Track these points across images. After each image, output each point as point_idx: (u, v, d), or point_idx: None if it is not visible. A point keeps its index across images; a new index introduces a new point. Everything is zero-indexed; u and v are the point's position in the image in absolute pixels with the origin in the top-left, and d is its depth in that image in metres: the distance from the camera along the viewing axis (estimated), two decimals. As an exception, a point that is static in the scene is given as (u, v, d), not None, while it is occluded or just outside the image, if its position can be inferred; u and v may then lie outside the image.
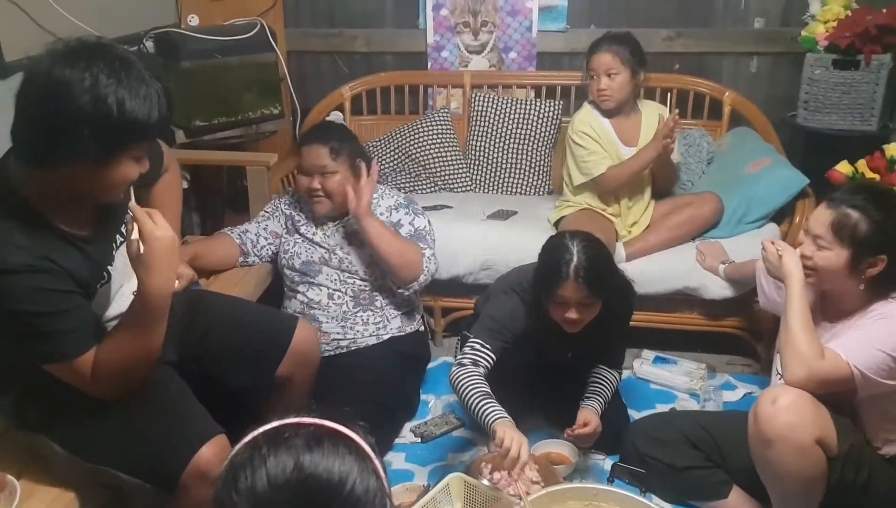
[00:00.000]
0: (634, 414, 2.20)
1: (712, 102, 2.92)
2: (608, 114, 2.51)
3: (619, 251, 2.42)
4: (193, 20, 2.78)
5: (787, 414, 1.50)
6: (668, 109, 2.50)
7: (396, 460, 2.08)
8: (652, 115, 2.54)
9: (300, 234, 2.28)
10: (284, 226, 2.32)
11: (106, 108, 1.16)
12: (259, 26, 2.64)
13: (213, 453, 1.31)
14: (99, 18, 2.32)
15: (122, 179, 1.27)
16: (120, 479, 1.39)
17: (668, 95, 2.56)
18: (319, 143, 2.18)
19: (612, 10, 2.99)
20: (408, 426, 2.21)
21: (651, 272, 2.41)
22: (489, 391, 1.76)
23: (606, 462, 2.01)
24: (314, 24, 3.17)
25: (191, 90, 2.52)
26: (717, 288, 2.39)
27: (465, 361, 1.82)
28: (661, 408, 2.28)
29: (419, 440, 2.16)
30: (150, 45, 2.57)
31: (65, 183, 1.24)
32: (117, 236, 1.44)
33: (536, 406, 2.15)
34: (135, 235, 1.27)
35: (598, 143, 2.48)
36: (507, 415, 1.70)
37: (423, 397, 2.33)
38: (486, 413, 1.71)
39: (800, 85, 2.74)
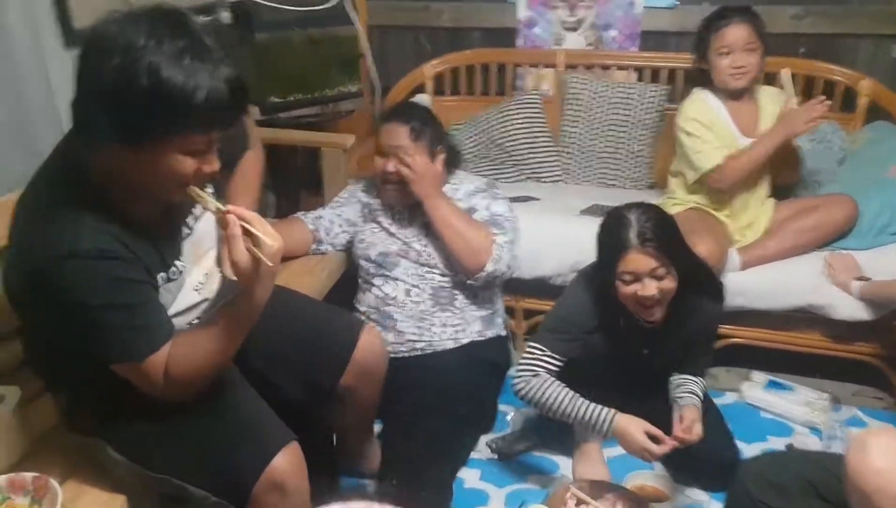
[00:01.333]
0: (743, 447, 1.92)
1: (845, 91, 2.56)
2: (725, 98, 2.20)
3: (733, 258, 2.12)
4: (271, -12, 2.62)
5: (879, 462, 1.28)
6: (787, 81, 2.20)
7: (470, 477, 1.89)
8: (772, 102, 2.22)
9: (377, 222, 2.11)
10: (360, 213, 2.15)
11: (138, 80, 0.97)
12: (339, -3, 2.47)
13: (287, 462, 1.18)
14: (173, -15, 2.19)
15: (171, 174, 1.07)
16: (182, 490, 1.25)
17: (784, 70, 2.22)
18: (400, 121, 2.01)
19: (731, -17, 2.65)
20: (483, 438, 2.01)
21: (769, 284, 2.11)
22: (569, 392, 1.67)
23: (711, 505, 1.76)
24: (398, -3, 2.97)
25: (266, 64, 2.39)
26: (848, 308, 2.07)
27: (525, 373, 1.73)
28: (775, 441, 2.00)
29: (496, 456, 1.96)
30: (225, 15, 2.41)
31: (117, 166, 1.07)
32: (183, 227, 1.28)
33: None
34: (241, 246, 1.08)
35: (711, 131, 2.18)
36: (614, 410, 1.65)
37: (501, 407, 2.12)
38: (595, 414, 1.64)
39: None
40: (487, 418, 2.07)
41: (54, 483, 1.22)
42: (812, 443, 1.96)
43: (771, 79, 2.42)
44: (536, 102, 2.77)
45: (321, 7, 2.44)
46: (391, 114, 2.09)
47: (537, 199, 2.51)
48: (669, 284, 1.62)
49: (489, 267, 1.97)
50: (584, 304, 1.73)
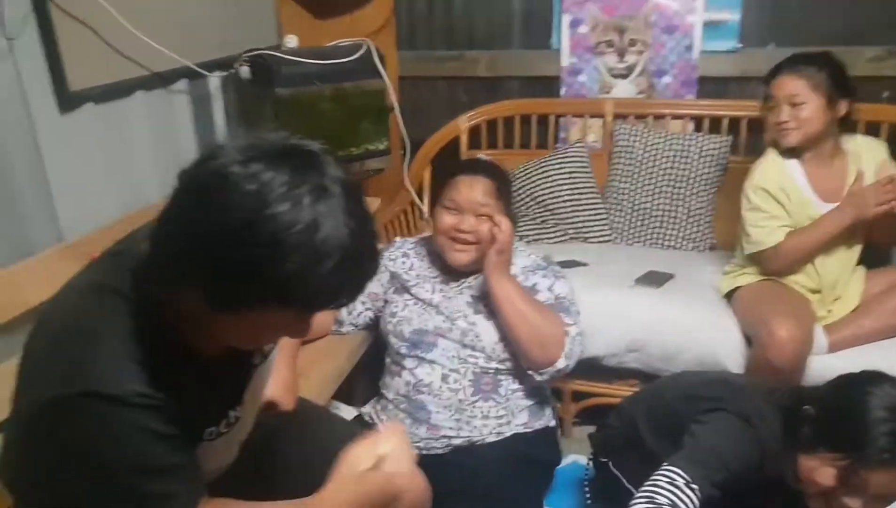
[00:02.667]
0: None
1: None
2: (801, 159, 1.94)
3: (820, 339, 1.84)
4: (291, 42, 2.48)
5: None
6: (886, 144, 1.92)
7: None
8: (865, 153, 1.95)
9: (412, 295, 1.88)
10: (388, 285, 1.93)
11: (249, 236, 0.79)
12: (365, 49, 2.30)
13: None
14: (185, 42, 2.05)
15: (257, 338, 0.98)
16: None
17: (878, 130, 1.95)
18: (485, 175, 1.80)
19: (800, 25, 2.42)
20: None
21: (863, 368, 1.80)
22: None
23: None
24: (430, 46, 2.81)
25: (288, 121, 2.21)
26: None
27: (661, 500, 1.28)
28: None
29: (543, 574, 1.68)
30: (244, 70, 2.27)
31: (194, 313, 0.88)
32: (251, 370, 1.10)
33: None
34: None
35: (780, 205, 1.93)
36: None
37: (546, 510, 1.84)
38: None
39: None
40: None
41: None
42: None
43: (852, 130, 2.15)
44: (582, 155, 2.56)
45: (346, 59, 2.27)
46: (473, 166, 1.88)
47: (584, 264, 2.27)
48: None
49: (560, 363, 1.73)
50: (746, 442, 1.36)
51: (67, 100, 1.74)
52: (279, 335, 1.00)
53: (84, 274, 0.99)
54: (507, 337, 1.76)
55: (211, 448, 1.01)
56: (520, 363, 1.79)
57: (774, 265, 1.94)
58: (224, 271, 0.80)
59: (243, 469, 1.20)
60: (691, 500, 1.27)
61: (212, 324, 0.89)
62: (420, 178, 2.72)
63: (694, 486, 1.28)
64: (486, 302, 1.80)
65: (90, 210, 1.83)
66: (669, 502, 1.26)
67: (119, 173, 1.95)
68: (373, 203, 2.13)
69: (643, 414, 1.63)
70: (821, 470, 1.26)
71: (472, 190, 1.78)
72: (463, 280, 1.85)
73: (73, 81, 1.73)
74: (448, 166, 1.93)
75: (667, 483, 1.29)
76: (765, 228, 1.93)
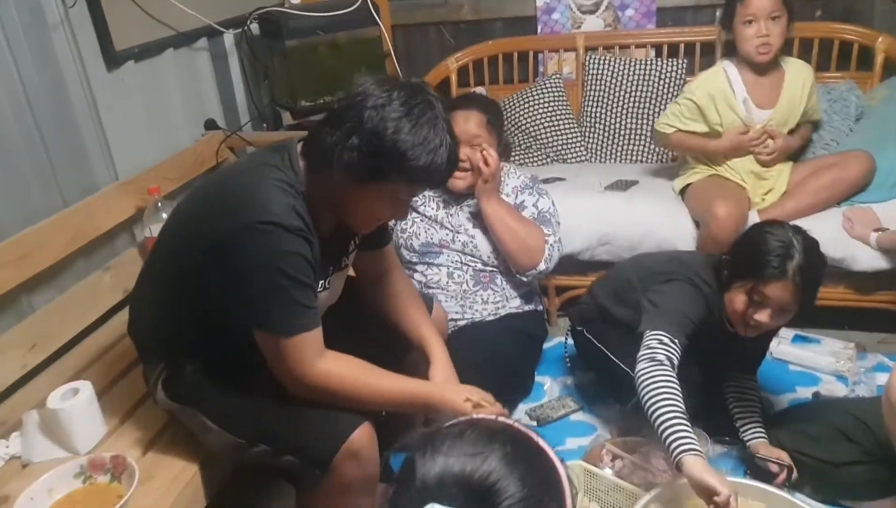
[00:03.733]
0: (772, 398, 2.01)
1: (861, 50, 2.60)
2: (748, 69, 2.25)
3: (753, 219, 2.18)
4: (296, -2, 2.76)
5: None
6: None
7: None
8: (798, 74, 2.26)
9: (418, 212, 2.20)
10: None
11: (382, 129, 1.19)
12: (361, 0, 2.59)
13: (363, 436, 1.32)
14: (204, 3, 2.35)
15: (371, 211, 1.34)
16: (268, 456, 1.38)
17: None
18: (478, 109, 2.07)
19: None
20: (522, 407, 2.12)
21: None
22: (683, 406, 1.47)
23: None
24: (419, -6, 3.07)
25: (296, 70, 2.52)
26: (869, 259, 2.13)
27: (660, 356, 1.54)
28: (803, 391, 2.07)
29: (535, 423, 2.07)
30: (254, 27, 2.57)
31: (327, 189, 1.28)
32: (343, 258, 1.49)
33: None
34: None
35: (698, 112, 2.27)
36: (699, 447, 1.42)
37: (538, 378, 2.23)
38: (676, 439, 1.42)
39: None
40: (525, 387, 2.16)
41: (131, 460, 1.35)
42: (838, 390, 2.03)
43: (789, 45, 2.45)
44: (559, 86, 2.85)
45: (345, 11, 2.56)
46: (468, 102, 2.12)
47: (563, 179, 2.59)
48: (784, 320, 1.60)
49: (541, 266, 2.07)
50: (700, 308, 1.66)
51: (113, 58, 2.04)
52: (389, 211, 1.36)
53: (246, 159, 1.42)
54: (499, 249, 2.11)
55: (317, 299, 1.36)
56: (508, 268, 2.13)
57: (659, 143, 2.45)
58: (370, 148, 1.20)
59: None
60: (676, 349, 1.57)
61: (348, 195, 1.28)
62: (415, 115, 3.02)
63: (675, 339, 1.58)
64: (482, 218, 2.12)
65: (137, 153, 2.16)
66: (665, 355, 1.54)
67: (157, 122, 2.27)
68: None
69: (609, 290, 1.98)
70: (736, 299, 1.60)
71: (467, 123, 2.05)
72: (463, 199, 2.17)
73: (117, 41, 2.03)
74: (446, 102, 2.21)
75: (657, 343, 1.57)
76: (669, 117, 2.30)
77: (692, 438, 1.42)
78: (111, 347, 1.83)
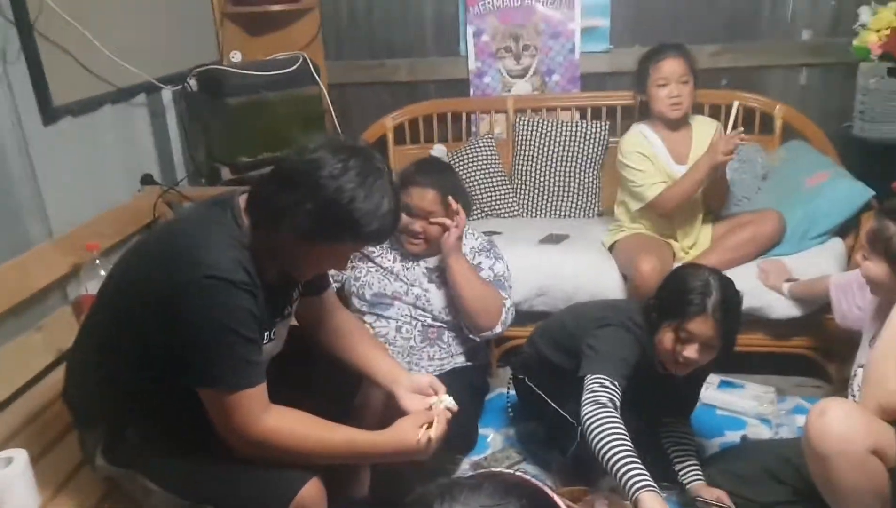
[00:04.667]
0: (703, 441, 2.11)
1: (763, 116, 2.85)
2: (661, 128, 2.44)
3: (678, 273, 2.33)
4: (236, 56, 2.80)
5: (838, 426, 1.43)
6: (723, 123, 2.39)
7: (457, 497, 1.99)
8: (704, 129, 2.47)
9: (374, 263, 2.22)
10: (353, 256, 2.23)
11: (338, 198, 1.23)
12: (301, 60, 2.66)
13: (314, 492, 1.32)
14: (144, 59, 2.35)
15: (316, 266, 1.40)
16: None
17: (720, 111, 2.46)
18: (435, 188, 2.10)
19: (657, 27, 2.93)
20: (467, 461, 2.13)
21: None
22: (630, 443, 1.54)
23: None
24: (356, 56, 3.18)
25: (235, 127, 2.54)
26: (783, 307, 2.30)
27: (603, 399, 1.60)
28: (731, 435, 2.18)
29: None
30: (193, 83, 2.58)
31: (272, 244, 1.30)
32: (286, 307, 1.49)
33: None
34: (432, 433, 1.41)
35: (649, 161, 2.41)
36: (653, 482, 1.48)
37: (481, 430, 2.25)
38: (629, 476, 1.47)
39: (852, 96, 2.69)
40: (471, 440, 2.17)
41: None
42: (763, 433, 2.16)
43: (700, 110, 2.69)
44: (491, 145, 2.98)
45: (286, 70, 2.61)
46: (425, 177, 2.12)
47: (499, 232, 2.69)
48: (711, 355, 1.68)
49: (497, 328, 2.14)
50: (634, 351, 1.74)
51: (50, 114, 2.01)
52: (332, 265, 1.42)
53: (190, 212, 1.44)
54: (452, 304, 2.15)
55: (262, 353, 1.36)
56: (459, 322, 2.17)
57: (662, 211, 2.39)
58: (326, 214, 1.24)
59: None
60: (617, 391, 1.65)
61: (295, 251, 1.31)
62: (353, 172, 3.07)
63: (615, 382, 1.65)
64: (438, 274, 2.18)
65: (73, 209, 2.10)
66: (608, 398, 1.61)
67: (94, 177, 2.22)
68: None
69: (547, 337, 2.05)
70: (664, 338, 1.70)
71: (423, 200, 2.10)
72: (423, 258, 2.21)
73: (56, 97, 2.01)
74: (404, 172, 2.21)
75: (598, 386, 1.64)
76: (643, 185, 2.39)
77: (646, 474, 1.47)
78: (43, 411, 1.73)
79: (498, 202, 2.95)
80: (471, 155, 2.95)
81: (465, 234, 2.25)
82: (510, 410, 2.25)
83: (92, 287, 1.87)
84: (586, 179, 2.92)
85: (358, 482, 1.92)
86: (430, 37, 3.13)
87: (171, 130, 2.63)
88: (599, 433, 1.54)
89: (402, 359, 2.15)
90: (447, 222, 2.09)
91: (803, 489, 1.70)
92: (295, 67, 2.63)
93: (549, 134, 2.93)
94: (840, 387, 2.29)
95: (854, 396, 1.75)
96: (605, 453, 1.52)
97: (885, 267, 1.58)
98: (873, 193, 2.34)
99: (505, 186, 2.96)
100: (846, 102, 2.76)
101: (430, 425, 1.41)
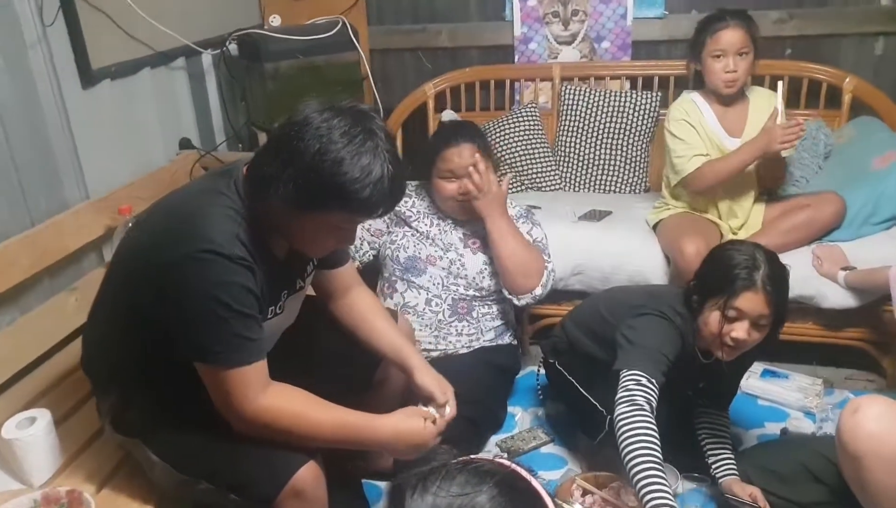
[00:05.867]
0: (741, 432, 2.02)
1: (830, 89, 2.66)
2: (714, 99, 2.29)
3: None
4: (276, 20, 2.77)
5: (872, 425, 1.35)
6: (779, 96, 2.19)
7: (482, 476, 1.96)
8: (762, 103, 2.30)
9: (410, 227, 2.19)
10: (389, 218, 2.21)
11: (320, 161, 1.15)
12: (341, 25, 2.60)
13: (309, 474, 1.29)
14: (183, 23, 2.35)
15: (315, 239, 1.30)
16: (211, 494, 1.36)
17: (780, 82, 2.24)
18: (468, 141, 2.07)
19: (716, -8, 2.75)
20: (493, 439, 2.10)
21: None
22: (660, 457, 1.44)
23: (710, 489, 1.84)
24: (397, 21, 3.10)
25: (273, 92, 2.51)
26: (837, 297, 2.16)
27: (640, 401, 1.50)
28: (771, 427, 2.08)
29: (505, 455, 2.05)
30: (232, 47, 2.56)
31: (276, 213, 1.25)
32: (297, 281, 1.45)
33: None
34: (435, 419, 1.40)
35: (695, 132, 2.27)
36: (674, 502, 1.38)
37: (509, 409, 2.21)
38: (650, 493, 1.38)
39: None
40: (497, 419, 2.14)
41: (87, 496, 1.31)
42: (806, 426, 2.04)
43: (760, 81, 2.52)
44: (534, 115, 2.88)
45: (325, 35, 2.56)
46: (453, 136, 2.09)
47: (538, 207, 2.59)
48: (760, 335, 1.59)
49: (538, 291, 2.07)
50: (675, 341, 1.64)
51: (89, 77, 2.03)
52: (333, 240, 1.33)
53: (194, 183, 1.37)
54: (486, 271, 2.10)
55: (267, 326, 1.34)
56: (493, 292, 2.12)
57: (696, 188, 2.26)
58: (307, 180, 1.17)
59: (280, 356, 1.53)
60: (654, 390, 1.53)
61: (290, 223, 1.25)
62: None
63: (652, 379, 1.54)
64: (474, 240, 2.13)
65: (110, 172, 2.13)
66: (644, 398, 1.50)
67: (131, 140, 2.25)
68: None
69: (580, 323, 1.97)
70: (710, 319, 1.60)
71: (461, 157, 2.05)
72: (461, 221, 2.16)
73: (94, 60, 2.02)
74: (429, 142, 2.19)
75: (634, 384, 1.53)
76: (683, 156, 2.25)
77: (668, 492, 1.39)
78: (71, 373, 1.77)
79: (539, 175, 2.85)
80: (513, 125, 2.86)
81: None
82: (539, 391, 2.20)
83: (122, 252, 1.89)
84: (634, 153, 2.79)
85: (381, 455, 1.92)
86: (473, 1, 3.02)
87: (210, 95, 2.63)
88: (630, 438, 1.45)
89: (430, 333, 2.12)
90: (474, 175, 2.02)
91: (842, 489, 1.60)
92: (334, 32, 2.58)
93: (596, 104, 2.81)
94: (894, 382, 2.18)
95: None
96: (631, 460, 1.44)
97: None
98: (948, 176, 2.15)
99: (547, 159, 2.86)
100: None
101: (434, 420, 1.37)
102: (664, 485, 1.39)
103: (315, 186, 1.17)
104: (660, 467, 1.42)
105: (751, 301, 1.54)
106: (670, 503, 1.36)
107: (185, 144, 2.47)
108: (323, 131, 1.16)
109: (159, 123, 2.38)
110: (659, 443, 1.45)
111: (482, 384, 2.06)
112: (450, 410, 1.49)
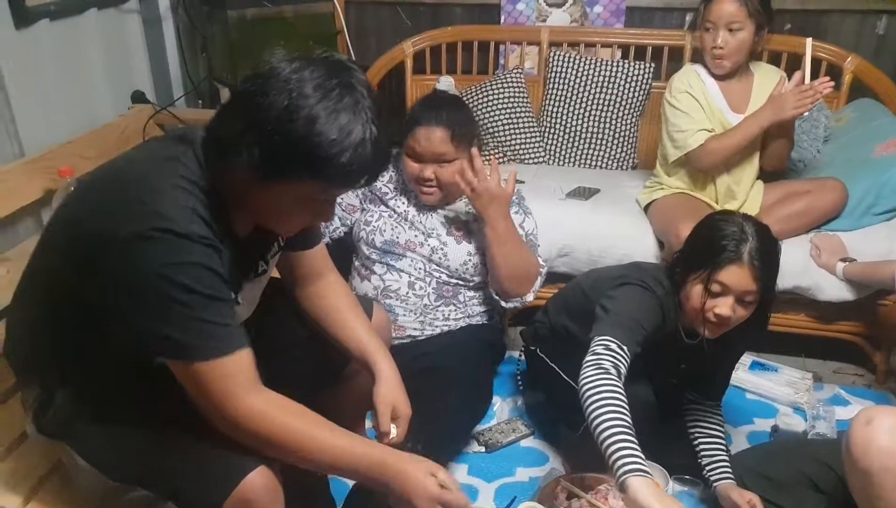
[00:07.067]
0: (730, 430, 1.92)
1: (830, 68, 2.53)
2: (717, 75, 2.15)
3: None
4: (243, -37, 2.51)
5: (885, 439, 1.26)
6: (808, 54, 2.03)
7: (459, 472, 1.84)
8: (767, 79, 2.16)
9: (387, 206, 1.99)
10: (363, 194, 2.02)
11: (287, 119, 0.98)
12: (315, -28, 2.37)
13: (260, 482, 1.12)
14: (136, -40, 2.10)
15: (282, 215, 1.13)
16: (149, 502, 1.19)
17: (809, 40, 2.07)
18: (440, 125, 1.85)
19: (717, -42, 2.59)
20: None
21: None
22: (629, 420, 1.34)
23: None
24: (375, -29, 2.88)
25: (237, 43, 2.31)
26: (834, 289, 2.07)
27: (607, 365, 1.41)
28: (761, 423, 2.00)
29: (483, 448, 1.93)
30: (193, -9, 2.32)
31: (240, 184, 1.07)
32: (260, 262, 1.26)
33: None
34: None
35: (699, 105, 2.13)
36: (645, 465, 1.29)
37: (487, 397, 2.08)
38: (620, 457, 1.30)
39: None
40: (483, 397, 1.96)
41: None
42: (796, 423, 1.96)
43: (757, 58, 2.37)
44: (519, 81, 2.71)
45: (296, -17, 2.34)
46: (428, 115, 1.88)
47: (521, 181, 2.44)
48: (746, 313, 1.51)
49: (528, 297, 1.93)
50: (654, 313, 1.55)
51: (23, 15, 1.80)
52: (308, 215, 1.15)
53: (146, 146, 1.17)
54: (471, 262, 1.94)
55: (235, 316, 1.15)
56: (478, 281, 1.97)
57: (701, 165, 2.13)
58: (272, 143, 0.99)
59: None
60: (625, 357, 1.45)
61: (255, 194, 1.07)
62: (367, 100, 2.83)
63: (624, 346, 1.45)
64: (457, 226, 1.95)
65: (49, 127, 1.91)
66: (612, 363, 1.42)
67: (74, 91, 2.03)
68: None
69: (562, 304, 1.87)
70: (692, 293, 1.50)
71: (430, 142, 1.85)
72: (444, 207, 1.97)
73: (31, -3, 1.78)
74: (410, 111, 1.97)
75: (603, 349, 1.45)
76: (686, 131, 2.11)
77: (639, 456, 1.30)
78: None
79: (523, 146, 2.69)
80: (496, 91, 2.68)
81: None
82: (519, 378, 2.07)
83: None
84: (624, 127, 2.64)
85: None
86: (460, -47, 2.82)
87: (167, 43, 2.41)
88: (595, 401, 1.36)
89: (416, 318, 1.95)
90: (467, 171, 1.84)
91: (843, 500, 1.51)
92: (307, -21, 2.36)
93: (585, 72, 2.64)
94: (884, 377, 2.14)
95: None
96: (598, 425, 1.34)
97: None
98: (954, 166, 2.06)
99: (532, 129, 2.70)
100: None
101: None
102: (635, 449, 1.30)
103: (284, 149, 0.99)
104: (629, 429, 1.32)
105: (736, 275, 1.45)
106: (641, 466, 1.27)
107: (137, 97, 2.25)
108: (293, 85, 0.98)
109: (107, 72, 2.15)
110: (627, 406, 1.35)
111: (470, 359, 1.91)
112: (395, 434, 1.32)
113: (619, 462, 1.28)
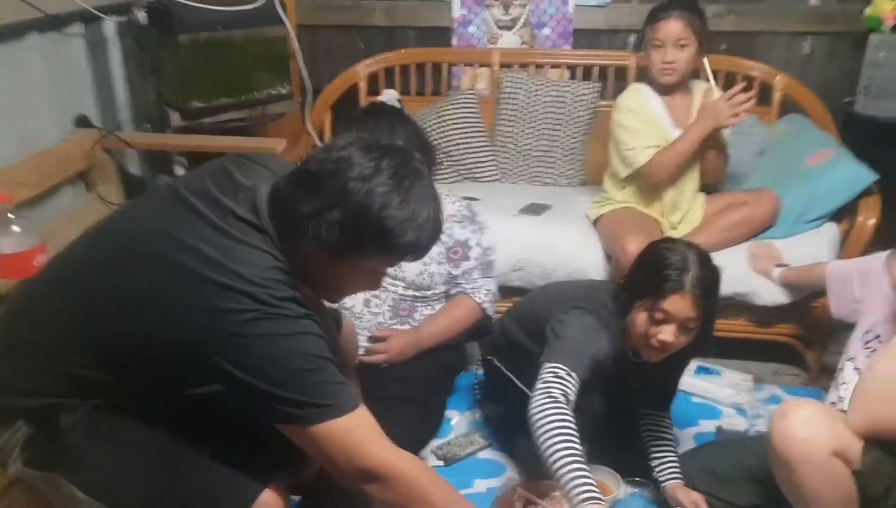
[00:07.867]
0: (677, 432, 1.97)
1: (762, 86, 2.67)
2: (661, 91, 2.25)
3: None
4: (193, -13, 2.52)
5: (801, 430, 1.34)
6: (707, 70, 2.21)
7: (417, 486, 1.86)
8: (704, 95, 2.27)
9: None
10: None
11: (369, 204, 1.09)
12: (267, -4, 2.39)
13: (270, 504, 1.18)
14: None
15: (347, 283, 1.24)
16: None
17: (704, 58, 2.22)
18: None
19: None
20: (428, 447, 1.98)
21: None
22: (580, 447, 1.41)
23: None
24: (328, -5, 2.90)
25: (188, 67, 2.29)
26: (770, 294, 2.18)
27: (556, 393, 1.47)
28: (706, 424, 2.08)
29: (441, 462, 1.95)
30: (141, 15, 2.30)
31: (311, 256, 1.15)
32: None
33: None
34: None
35: (645, 123, 2.22)
36: (599, 494, 1.37)
37: (445, 413, 2.09)
38: (575, 486, 1.37)
39: (857, 70, 2.52)
40: (435, 425, 2.01)
41: None
42: (739, 423, 2.05)
43: (694, 75, 2.48)
44: (472, 102, 2.78)
45: (248, 7, 2.35)
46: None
47: (476, 199, 2.49)
48: (688, 339, 1.57)
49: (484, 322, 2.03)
50: (600, 339, 1.60)
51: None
52: (365, 284, 1.26)
53: (227, 231, 1.14)
54: (426, 272, 1.98)
55: None
56: (436, 293, 2.02)
57: (652, 179, 2.22)
58: (354, 224, 1.09)
59: None
60: (573, 384, 1.51)
61: (324, 269, 1.16)
62: (321, 122, 2.85)
63: (573, 373, 1.51)
64: None
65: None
66: (561, 391, 1.48)
67: (13, 115, 1.96)
68: (278, 144, 2.22)
69: (517, 318, 1.91)
70: (637, 319, 1.56)
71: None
72: None
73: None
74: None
75: (552, 377, 1.51)
76: (634, 148, 2.20)
77: (592, 484, 1.36)
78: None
79: (476, 165, 2.76)
80: (450, 111, 2.74)
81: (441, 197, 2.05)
82: (477, 390, 2.11)
83: (6, 246, 1.64)
84: (572, 145, 2.73)
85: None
86: (411, -23, 2.88)
87: (113, 68, 2.36)
88: (546, 431, 1.42)
89: (370, 338, 1.97)
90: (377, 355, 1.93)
91: (778, 489, 1.59)
92: (259, 4, 2.37)
93: (535, 93, 2.72)
94: (818, 375, 2.25)
95: (839, 389, 1.68)
96: (551, 455, 1.41)
97: None
98: (876, 176, 2.19)
99: (485, 148, 2.76)
100: (850, 76, 2.59)
101: None
102: (588, 477, 1.38)
103: (360, 229, 1.10)
104: (580, 458, 1.39)
105: (678, 304, 1.51)
106: (595, 494, 1.35)
107: (82, 121, 2.21)
108: (371, 171, 1.09)
109: (49, 96, 2.09)
110: (577, 434, 1.42)
111: (424, 377, 1.95)
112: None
113: (575, 491, 1.36)
